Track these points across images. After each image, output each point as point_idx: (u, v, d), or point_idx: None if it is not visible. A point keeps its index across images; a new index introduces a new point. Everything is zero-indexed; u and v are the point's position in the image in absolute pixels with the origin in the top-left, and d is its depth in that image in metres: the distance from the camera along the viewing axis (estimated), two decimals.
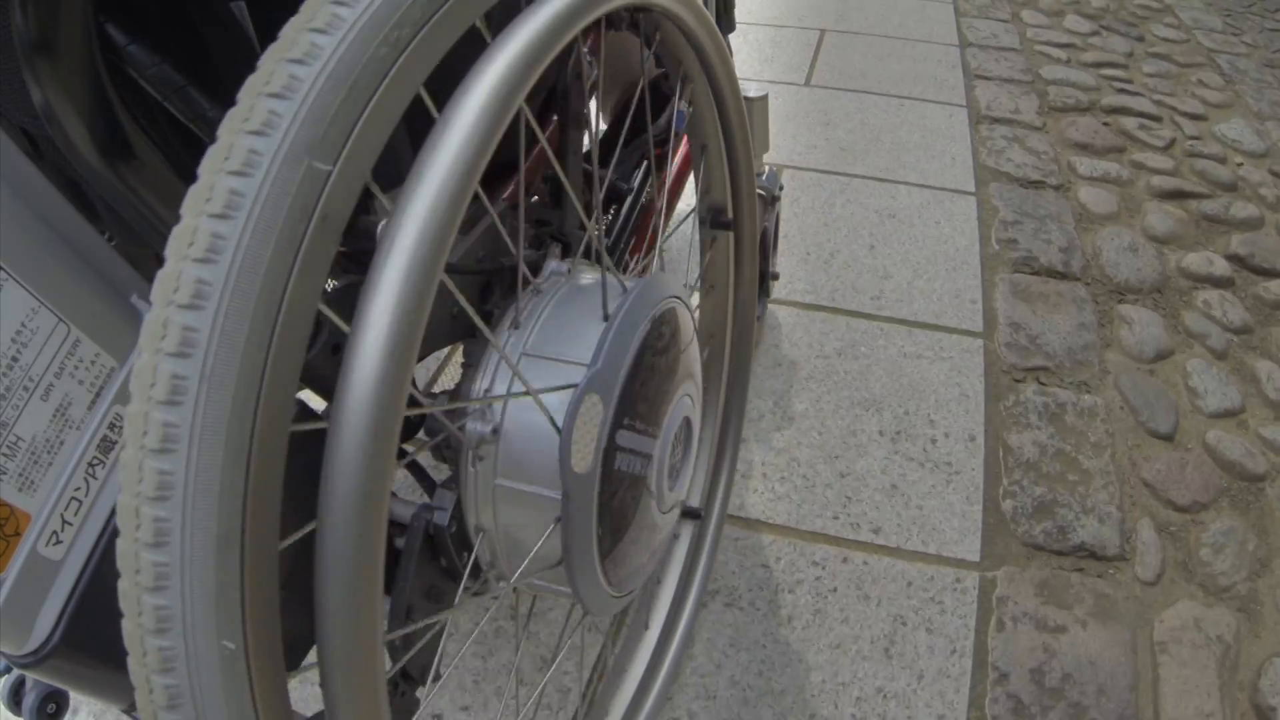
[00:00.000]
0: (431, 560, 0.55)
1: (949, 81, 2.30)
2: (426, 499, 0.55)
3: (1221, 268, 1.62)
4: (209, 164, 0.32)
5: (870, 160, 1.93)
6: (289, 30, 0.34)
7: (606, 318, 0.56)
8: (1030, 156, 1.94)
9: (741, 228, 0.88)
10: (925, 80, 2.31)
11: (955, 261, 1.60)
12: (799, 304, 1.50)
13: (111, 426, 0.47)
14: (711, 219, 0.85)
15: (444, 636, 0.58)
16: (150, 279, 0.31)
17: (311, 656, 0.37)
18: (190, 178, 0.32)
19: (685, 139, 1.00)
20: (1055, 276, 1.57)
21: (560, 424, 0.52)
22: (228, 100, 0.33)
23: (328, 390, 0.39)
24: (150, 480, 0.29)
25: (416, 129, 0.40)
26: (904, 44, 2.56)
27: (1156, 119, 2.13)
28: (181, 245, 0.30)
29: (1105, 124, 2.09)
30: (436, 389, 0.58)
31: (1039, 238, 1.66)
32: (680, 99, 0.74)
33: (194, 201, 0.31)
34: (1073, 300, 1.52)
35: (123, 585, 0.30)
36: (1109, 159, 1.96)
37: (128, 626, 0.30)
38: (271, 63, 0.33)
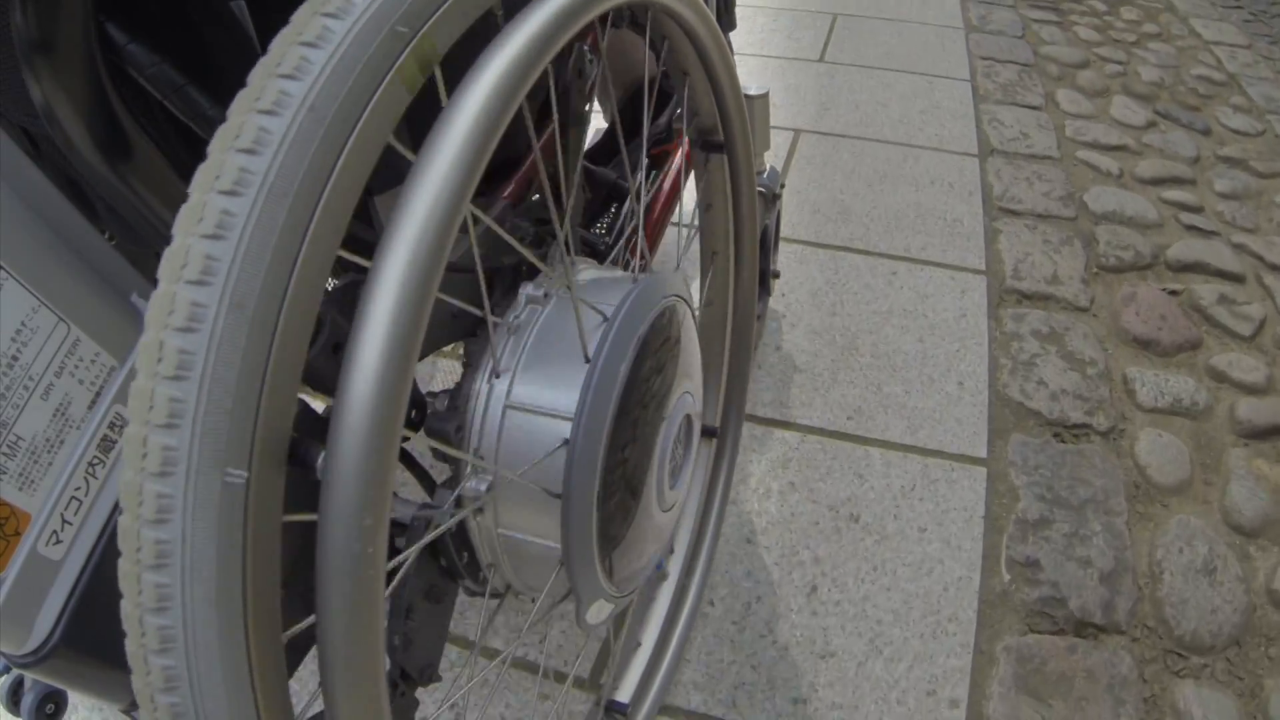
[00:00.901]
0: (432, 560, 0.55)
1: (963, 223, 1.68)
2: (427, 499, 0.55)
3: None
4: (219, 143, 0.32)
5: (836, 392, 1.28)
6: (301, 14, 0.34)
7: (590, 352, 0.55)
8: (1071, 374, 1.34)
9: (741, 227, 0.88)
10: (931, 222, 1.67)
11: (939, 617, 1.00)
12: (678, 711, 0.90)
13: (112, 426, 0.47)
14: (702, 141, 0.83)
15: (445, 637, 0.58)
16: (150, 279, 0.31)
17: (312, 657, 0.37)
18: (190, 177, 0.32)
19: (684, 139, 1.00)
20: (1089, 634, 1.00)
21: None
22: (227, 99, 0.34)
23: (328, 390, 0.39)
24: (155, 456, 0.29)
25: (417, 125, 0.40)
26: (905, 153, 1.88)
27: (1238, 279, 1.59)
28: (190, 222, 0.31)
29: (1173, 293, 1.54)
30: (437, 388, 0.58)
31: (1072, 555, 1.08)
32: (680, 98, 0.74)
33: (203, 179, 0.31)
34: (1108, 686, 0.94)
35: (123, 564, 0.30)
36: (1179, 367, 1.39)
37: (126, 607, 0.30)
38: (283, 45, 0.33)
